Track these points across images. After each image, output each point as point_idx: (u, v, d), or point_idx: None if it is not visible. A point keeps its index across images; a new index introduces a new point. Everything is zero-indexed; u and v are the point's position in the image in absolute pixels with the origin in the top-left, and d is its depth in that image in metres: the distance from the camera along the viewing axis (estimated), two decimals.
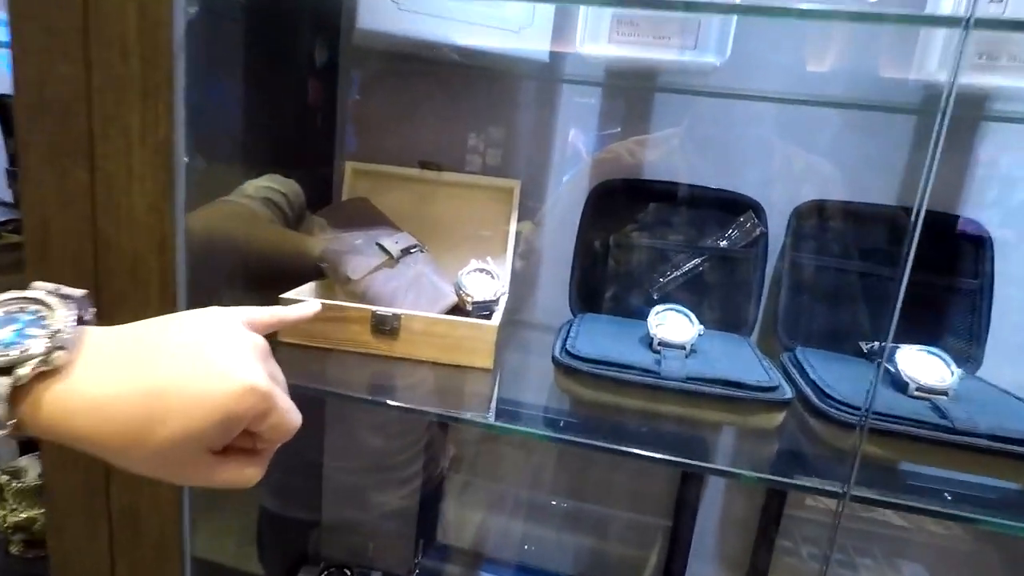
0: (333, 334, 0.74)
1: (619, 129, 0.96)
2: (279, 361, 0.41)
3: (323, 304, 0.74)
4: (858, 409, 0.60)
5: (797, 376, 0.73)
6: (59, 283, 0.38)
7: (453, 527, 1.17)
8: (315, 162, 0.98)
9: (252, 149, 0.85)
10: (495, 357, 0.74)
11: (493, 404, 0.68)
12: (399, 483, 1.12)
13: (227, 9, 0.78)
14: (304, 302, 0.51)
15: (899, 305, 0.58)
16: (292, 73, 0.92)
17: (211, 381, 0.35)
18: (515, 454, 1.13)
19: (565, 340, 0.73)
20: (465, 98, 0.97)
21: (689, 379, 0.65)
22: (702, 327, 0.73)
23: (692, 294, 0.88)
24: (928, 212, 0.55)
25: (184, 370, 0.35)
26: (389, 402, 0.63)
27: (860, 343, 0.83)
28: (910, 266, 0.56)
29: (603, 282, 0.92)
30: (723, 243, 0.89)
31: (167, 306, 0.63)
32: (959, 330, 0.82)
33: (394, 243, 0.81)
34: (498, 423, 0.61)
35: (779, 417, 0.64)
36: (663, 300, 0.89)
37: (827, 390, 0.65)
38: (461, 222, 0.94)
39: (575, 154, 0.95)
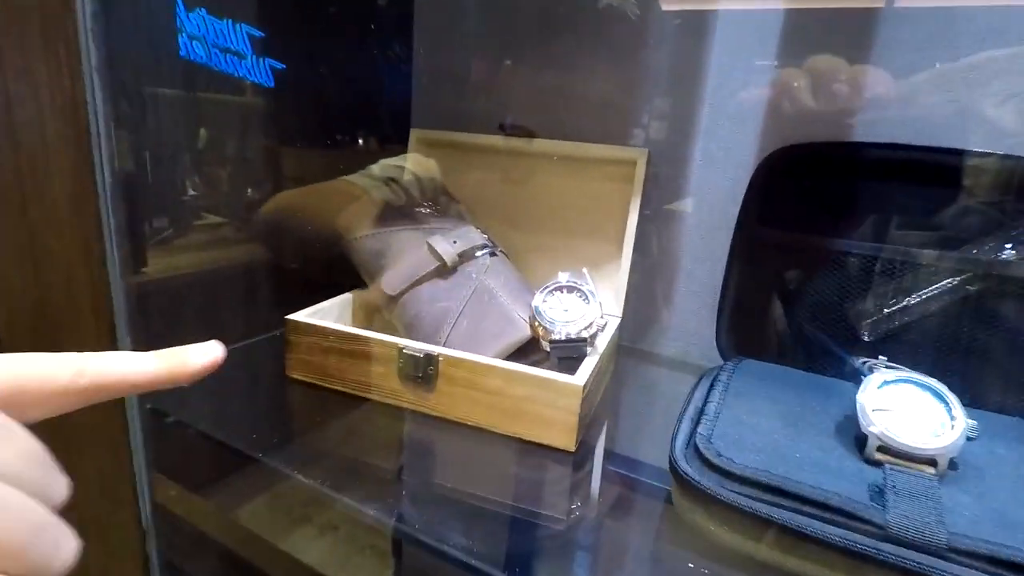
0: (351, 374, 0.52)
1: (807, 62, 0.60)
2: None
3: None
4: None
5: None
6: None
7: None
8: (384, 133, 0.77)
9: (289, 119, 0.65)
10: (582, 430, 0.47)
11: (576, 513, 0.41)
12: None
13: None
14: (196, 347, 0.26)
15: None
16: (345, 15, 0.70)
17: None
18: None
19: (697, 420, 0.42)
20: (566, 36, 0.68)
21: (955, 553, 0.31)
22: (973, 421, 0.38)
23: (938, 343, 0.51)
24: None
25: None
26: (367, 510, 0.39)
27: None
28: None
29: (775, 309, 0.58)
30: (1008, 250, 0.50)
31: (103, 338, 0.45)
32: None
33: (450, 244, 0.56)
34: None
35: None
36: (882, 347, 0.53)
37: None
38: (562, 210, 0.66)
39: (735, 106, 0.62)
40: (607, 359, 0.56)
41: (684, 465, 0.38)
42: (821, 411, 0.45)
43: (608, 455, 0.49)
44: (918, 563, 0.31)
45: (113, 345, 0.46)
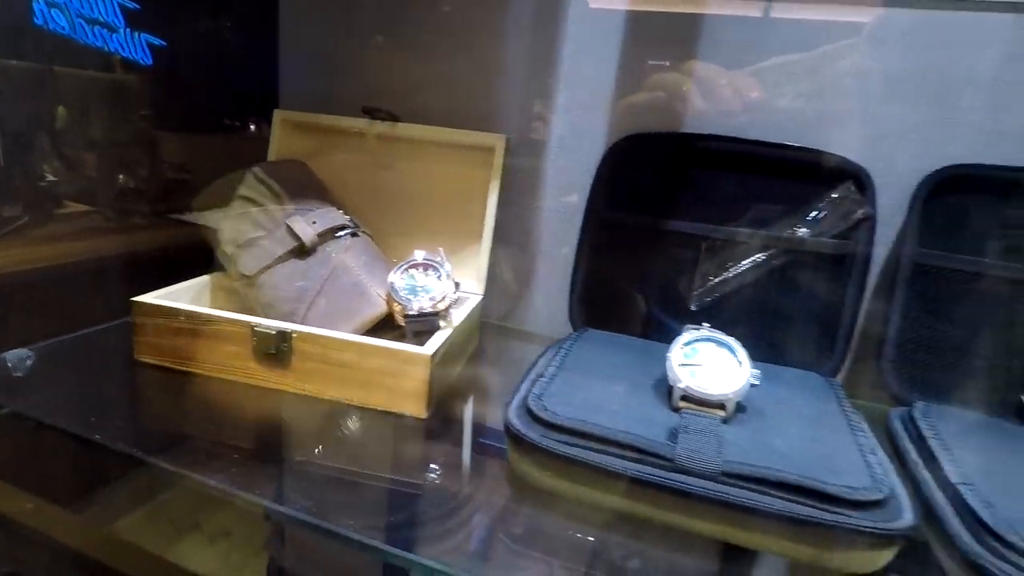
0: (203, 354, 0.52)
1: (661, 61, 0.66)
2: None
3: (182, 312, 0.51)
4: None
5: (920, 467, 0.43)
6: None
7: None
8: (247, 116, 0.75)
9: (166, 100, 0.63)
10: (433, 397, 0.50)
11: (421, 468, 0.43)
12: None
13: None
14: None
15: None
16: None
17: None
18: None
19: (533, 383, 0.47)
20: (430, 19, 0.70)
21: (726, 477, 0.37)
22: (756, 371, 0.45)
23: (750, 310, 0.59)
24: None
25: None
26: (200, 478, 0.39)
27: None
28: None
29: (617, 283, 0.64)
30: (803, 231, 0.59)
31: None
32: None
33: (308, 224, 0.57)
34: (374, 543, 0.36)
35: (883, 557, 0.36)
36: (706, 315, 0.60)
37: (985, 515, 0.36)
38: (425, 193, 0.69)
39: (588, 95, 0.67)
40: (465, 334, 0.60)
41: (514, 420, 0.42)
42: (647, 372, 0.51)
43: (462, 420, 0.53)
44: (700, 487, 0.37)
45: None
